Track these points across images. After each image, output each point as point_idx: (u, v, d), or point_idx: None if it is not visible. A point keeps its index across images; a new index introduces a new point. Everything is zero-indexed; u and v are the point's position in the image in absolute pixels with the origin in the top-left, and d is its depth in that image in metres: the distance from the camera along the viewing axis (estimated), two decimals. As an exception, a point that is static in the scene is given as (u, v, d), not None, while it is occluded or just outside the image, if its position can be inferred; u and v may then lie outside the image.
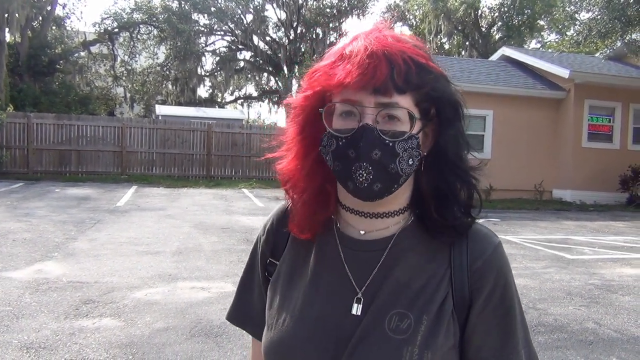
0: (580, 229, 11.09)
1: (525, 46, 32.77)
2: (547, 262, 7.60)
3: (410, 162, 0.87)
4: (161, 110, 24.08)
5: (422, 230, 0.94)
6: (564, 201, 15.52)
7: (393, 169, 0.85)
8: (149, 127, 19.02)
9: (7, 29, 23.01)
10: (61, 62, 28.25)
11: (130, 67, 33.34)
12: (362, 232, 0.95)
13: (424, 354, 0.85)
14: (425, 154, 0.91)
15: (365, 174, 0.85)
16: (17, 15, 22.85)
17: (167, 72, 33.75)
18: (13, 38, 24.95)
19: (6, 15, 22.49)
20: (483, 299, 0.90)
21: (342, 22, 35.56)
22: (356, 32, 0.91)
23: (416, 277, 0.90)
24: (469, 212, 0.94)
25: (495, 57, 19.65)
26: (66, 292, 5.37)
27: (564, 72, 15.35)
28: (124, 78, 33.77)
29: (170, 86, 34.60)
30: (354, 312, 0.89)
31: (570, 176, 15.63)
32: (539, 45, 35.16)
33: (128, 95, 34.48)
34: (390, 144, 0.85)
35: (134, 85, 33.88)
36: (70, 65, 29.39)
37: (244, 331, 1.11)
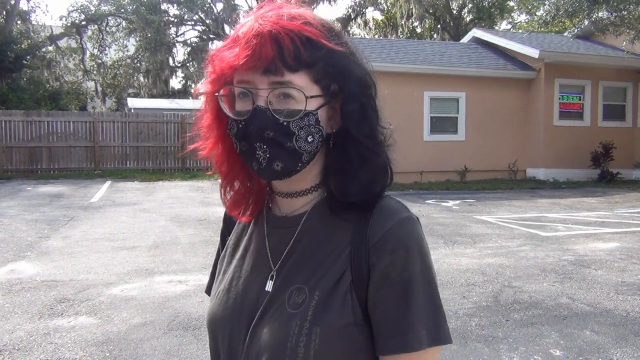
0: (554, 206, 11.28)
1: (496, 27, 33.00)
2: (522, 240, 7.71)
3: (310, 140, 0.86)
4: (133, 103, 23.76)
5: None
6: (537, 180, 15.75)
7: (290, 147, 0.86)
8: (122, 121, 18.73)
9: (-31, 25, 22.37)
10: (28, 57, 27.57)
11: (100, 61, 32.73)
12: (282, 212, 0.98)
13: (314, 329, 0.84)
14: (334, 130, 0.91)
15: (262, 154, 0.86)
16: (-21, 10, 22.23)
17: (138, 64, 33.25)
18: (-24, 34, 24.28)
19: (-32, 10, 21.86)
20: (379, 275, 0.86)
21: (313, 8, 35.32)
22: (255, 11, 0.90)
23: (318, 253, 0.91)
24: (373, 190, 0.91)
25: (466, 39, 19.75)
26: (40, 291, 5.29)
27: (534, 52, 15.50)
28: (94, 72, 33.17)
29: (142, 78, 34.13)
30: (267, 288, 0.92)
31: (543, 155, 15.86)
32: (509, 26, 35.46)
33: (99, 89, 33.91)
34: (285, 123, 0.85)
35: (105, 78, 33.31)
36: (38, 61, 28.75)
37: None
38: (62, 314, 4.68)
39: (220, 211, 10.27)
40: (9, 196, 12.52)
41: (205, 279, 5.54)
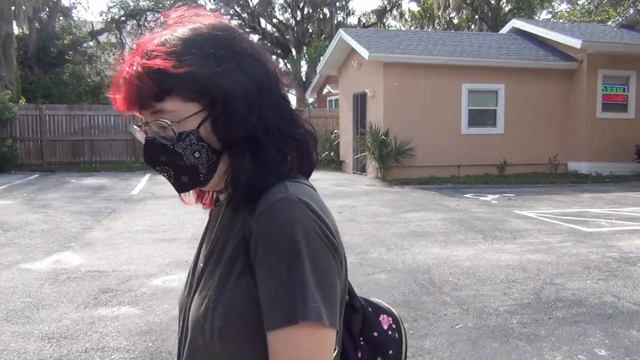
0: (597, 201, 10.98)
1: (536, 17, 32.23)
2: (564, 236, 7.54)
3: (197, 155, 0.95)
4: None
5: None
6: (579, 174, 15.36)
7: (184, 164, 0.96)
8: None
9: (14, 22, 23.02)
10: (70, 52, 28.28)
11: (139, 55, 33.27)
12: (221, 201, 1.09)
13: (217, 306, 0.92)
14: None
15: (166, 175, 0.99)
16: (23, 7, 22.83)
17: (176, 58, 33.62)
18: (21, 30, 24.98)
19: (13, 7, 22.49)
20: (255, 254, 0.90)
21: (349, 0, 35.17)
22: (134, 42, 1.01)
23: (223, 238, 1.00)
24: (258, 185, 0.95)
25: (505, 30, 19.35)
26: (85, 281, 5.44)
27: (576, 42, 15.08)
28: (133, 66, 33.74)
29: (179, 72, 34.53)
30: (198, 268, 1.04)
31: (585, 148, 15.45)
32: (549, 16, 34.59)
33: (138, 83, 34.47)
34: (171, 147, 0.95)
35: (144, 72, 33.83)
36: (80, 56, 29.45)
37: None
38: (106, 304, 4.80)
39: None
40: (53, 188, 12.89)
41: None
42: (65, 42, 27.68)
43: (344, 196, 11.61)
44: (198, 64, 0.93)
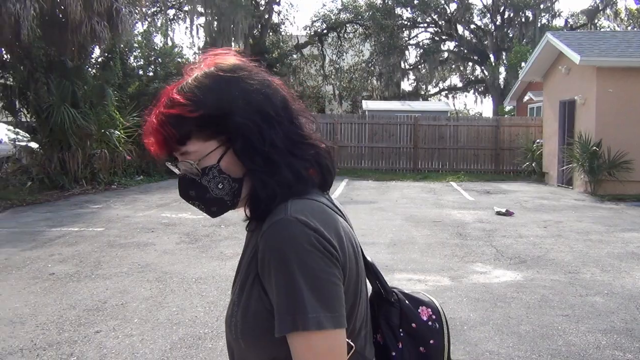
0: None
1: None
2: None
3: (221, 186, 1.08)
4: (368, 105, 24.84)
5: None
6: None
7: (210, 196, 1.09)
8: (358, 122, 19.76)
9: (233, 38, 25.72)
10: (278, 65, 30.71)
11: (337, 66, 34.93)
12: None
13: (237, 310, 1.06)
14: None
15: (197, 207, 1.13)
16: (241, 25, 25.42)
17: (372, 68, 34.70)
18: (238, 46, 27.81)
19: (232, 25, 25.16)
20: (262, 269, 1.01)
21: (555, 0, 32.92)
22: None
23: (245, 253, 1.14)
24: (268, 205, 1.06)
25: None
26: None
27: None
28: (332, 76, 35.53)
29: (375, 81, 35.54)
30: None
31: None
32: None
33: (336, 92, 36.21)
34: (198, 181, 1.08)
35: (342, 82, 35.44)
36: (285, 68, 31.82)
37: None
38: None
39: (454, 214, 10.23)
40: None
41: (444, 281, 5.56)
42: (273, 55, 30.16)
43: (548, 210, 10.90)
44: (212, 106, 1.05)
